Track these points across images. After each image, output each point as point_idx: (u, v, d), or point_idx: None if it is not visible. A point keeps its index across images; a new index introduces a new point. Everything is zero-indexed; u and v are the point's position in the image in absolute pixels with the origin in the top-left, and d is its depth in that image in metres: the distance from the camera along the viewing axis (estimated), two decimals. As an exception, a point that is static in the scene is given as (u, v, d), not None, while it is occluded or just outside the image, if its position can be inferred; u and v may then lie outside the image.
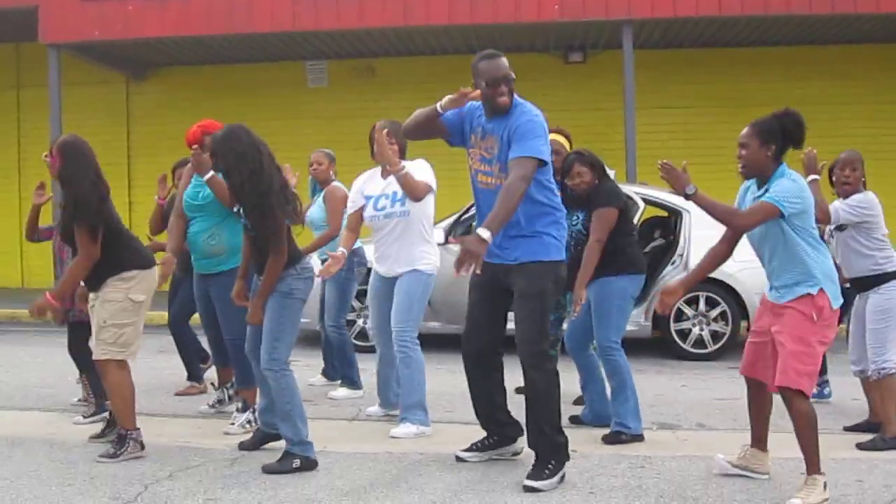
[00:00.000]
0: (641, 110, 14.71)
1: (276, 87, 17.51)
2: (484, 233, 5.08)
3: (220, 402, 7.48)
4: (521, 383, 7.99)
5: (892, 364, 6.48)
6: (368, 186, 6.99)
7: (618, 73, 14.70)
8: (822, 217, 6.58)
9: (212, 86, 17.61)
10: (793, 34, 15.89)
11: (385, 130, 6.55)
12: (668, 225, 11.16)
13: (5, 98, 18.19)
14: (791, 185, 5.13)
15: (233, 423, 6.76)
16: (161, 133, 17.37)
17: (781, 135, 5.25)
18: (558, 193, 5.75)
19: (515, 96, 5.58)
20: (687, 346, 10.19)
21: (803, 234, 5.17)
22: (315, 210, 8.29)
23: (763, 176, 5.28)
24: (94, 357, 6.10)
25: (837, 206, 6.65)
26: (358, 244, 7.94)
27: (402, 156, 6.81)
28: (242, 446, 6.26)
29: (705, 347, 10.18)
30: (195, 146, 6.90)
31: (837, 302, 5.23)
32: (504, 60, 5.58)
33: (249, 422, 6.69)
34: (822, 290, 5.14)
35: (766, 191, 5.18)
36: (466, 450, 6.07)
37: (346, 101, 17.28)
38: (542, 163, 5.39)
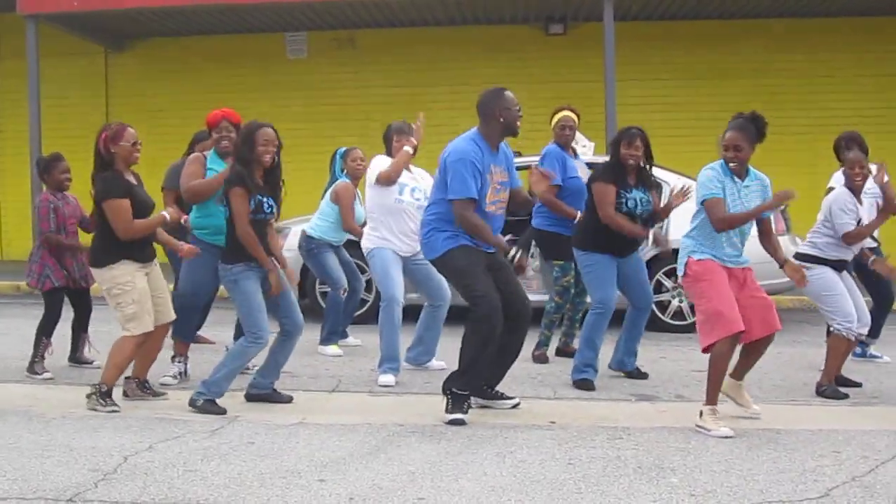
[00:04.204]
0: (622, 83, 14.66)
1: (256, 59, 17.39)
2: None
3: (181, 374, 7.49)
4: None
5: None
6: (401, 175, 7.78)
7: (598, 45, 14.62)
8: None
9: (191, 57, 17.49)
10: (773, 6, 15.87)
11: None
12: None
13: (-17, 69, 18.00)
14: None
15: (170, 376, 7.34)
16: (140, 105, 17.24)
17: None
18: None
19: None
20: (666, 318, 10.20)
21: None
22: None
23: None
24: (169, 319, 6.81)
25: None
26: None
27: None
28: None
29: (684, 319, 10.16)
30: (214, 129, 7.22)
31: None
32: None
33: (181, 373, 7.35)
34: None
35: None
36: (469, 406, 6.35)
37: (326, 72, 17.16)
38: None
